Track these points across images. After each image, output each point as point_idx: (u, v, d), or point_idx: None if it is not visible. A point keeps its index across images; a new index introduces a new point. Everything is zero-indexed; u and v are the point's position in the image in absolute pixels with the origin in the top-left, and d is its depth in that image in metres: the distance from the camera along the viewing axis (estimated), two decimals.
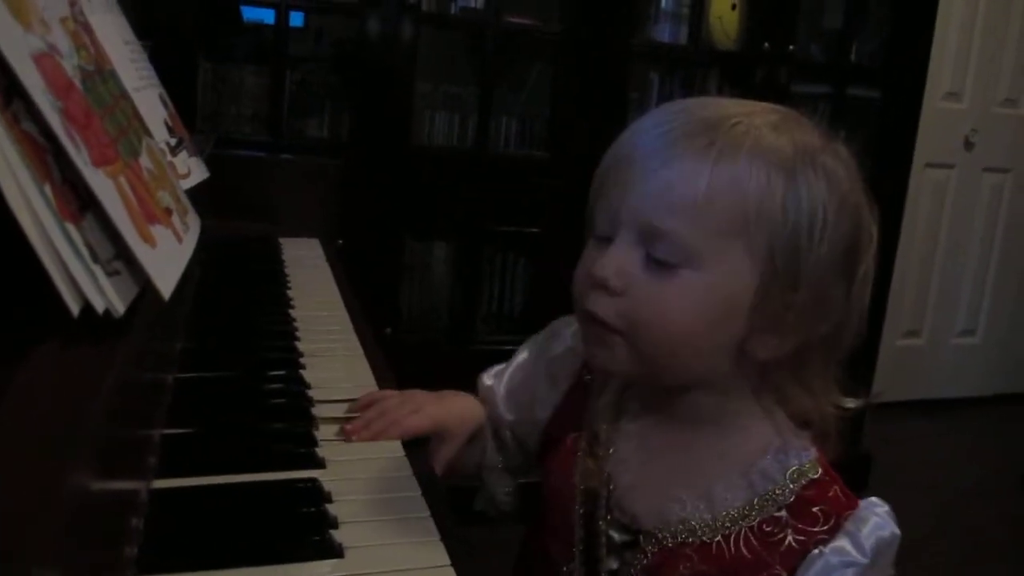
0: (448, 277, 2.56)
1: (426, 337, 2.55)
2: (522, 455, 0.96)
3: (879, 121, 2.86)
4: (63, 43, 0.59)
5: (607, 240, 0.74)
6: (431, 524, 0.73)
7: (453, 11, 2.48)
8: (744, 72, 2.72)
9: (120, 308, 0.54)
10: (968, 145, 3.66)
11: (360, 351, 1.12)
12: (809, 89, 2.84)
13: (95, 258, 0.53)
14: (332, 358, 1.08)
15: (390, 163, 2.37)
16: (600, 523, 0.80)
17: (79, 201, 0.54)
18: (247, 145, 2.30)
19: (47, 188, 0.50)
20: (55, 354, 0.51)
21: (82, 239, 0.52)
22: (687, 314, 0.71)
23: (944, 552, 2.61)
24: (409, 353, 2.42)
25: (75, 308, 0.51)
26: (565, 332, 0.92)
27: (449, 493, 0.81)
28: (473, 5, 2.47)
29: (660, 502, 0.78)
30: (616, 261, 0.72)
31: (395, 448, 0.85)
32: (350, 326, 1.22)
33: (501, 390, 0.96)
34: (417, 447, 0.87)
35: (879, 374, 3.14)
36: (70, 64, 0.58)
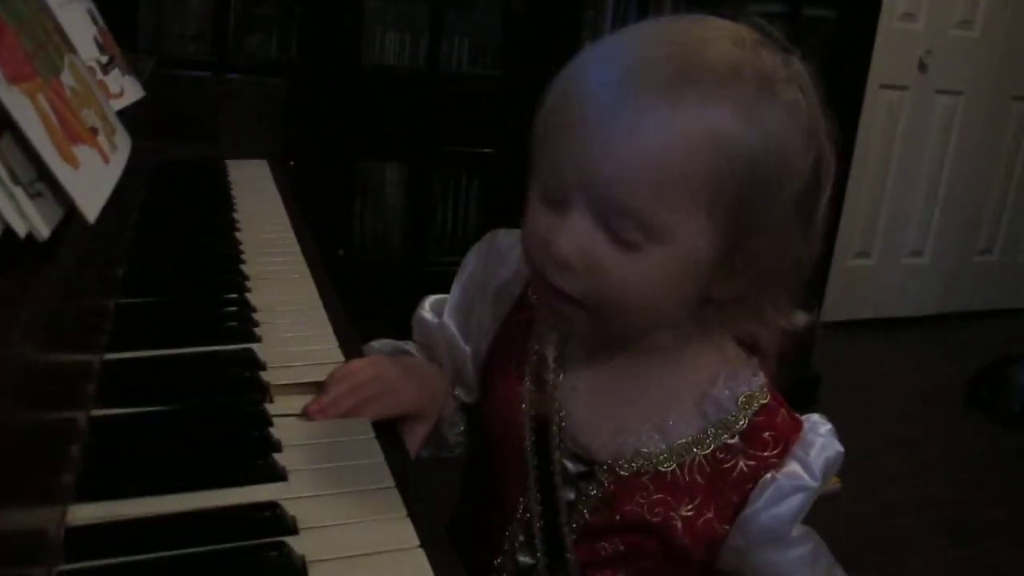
0: (401, 198, 2.54)
1: (379, 258, 2.54)
2: (478, 387, 0.90)
3: (834, 41, 2.85)
4: None
5: (558, 202, 0.70)
6: (376, 446, 0.72)
7: None
8: None
9: (44, 231, 0.53)
10: (922, 67, 3.66)
11: (308, 273, 1.11)
12: (764, 8, 2.81)
13: (15, 180, 0.51)
14: (278, 281, 1.06)
15: (340, 83, 2.32)
16: (556, 452, 0.80)
17: None
18: (192, 65, 2.22)
19: None
20: None
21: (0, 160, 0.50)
22: (656, 286, 0.69)
23: (890, 466, 2.69)
24: (362, 274, 2.41)
25: None
26: (510, 257, 0.87)
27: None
28: None
29: (614, 434, 0.78)
30: (576, 239, 0.68)
31: None
32: (297, 248, 1.20)
33: (454, 321, 0.90)
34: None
35: (829, 294, 3.19)
36: None
